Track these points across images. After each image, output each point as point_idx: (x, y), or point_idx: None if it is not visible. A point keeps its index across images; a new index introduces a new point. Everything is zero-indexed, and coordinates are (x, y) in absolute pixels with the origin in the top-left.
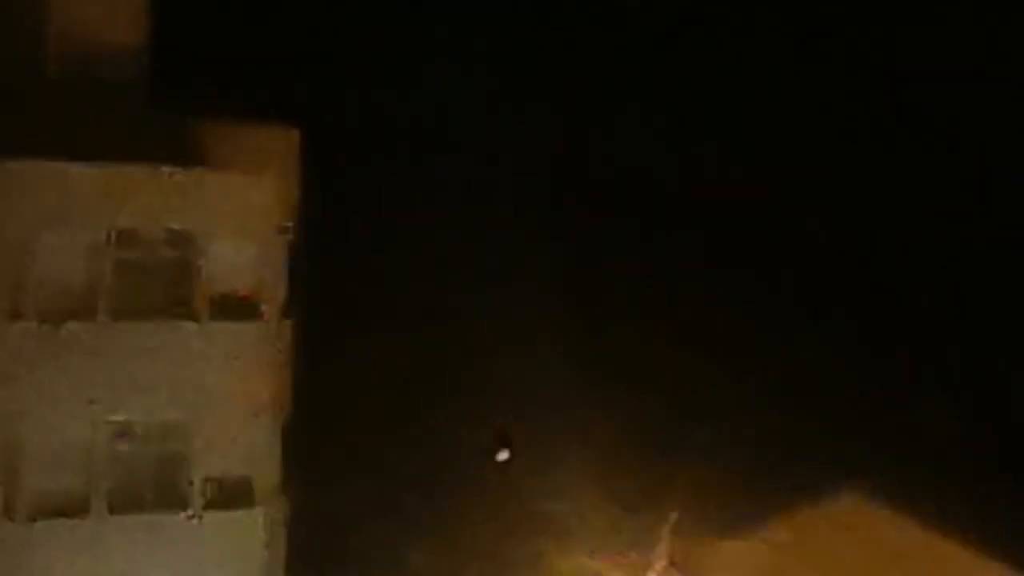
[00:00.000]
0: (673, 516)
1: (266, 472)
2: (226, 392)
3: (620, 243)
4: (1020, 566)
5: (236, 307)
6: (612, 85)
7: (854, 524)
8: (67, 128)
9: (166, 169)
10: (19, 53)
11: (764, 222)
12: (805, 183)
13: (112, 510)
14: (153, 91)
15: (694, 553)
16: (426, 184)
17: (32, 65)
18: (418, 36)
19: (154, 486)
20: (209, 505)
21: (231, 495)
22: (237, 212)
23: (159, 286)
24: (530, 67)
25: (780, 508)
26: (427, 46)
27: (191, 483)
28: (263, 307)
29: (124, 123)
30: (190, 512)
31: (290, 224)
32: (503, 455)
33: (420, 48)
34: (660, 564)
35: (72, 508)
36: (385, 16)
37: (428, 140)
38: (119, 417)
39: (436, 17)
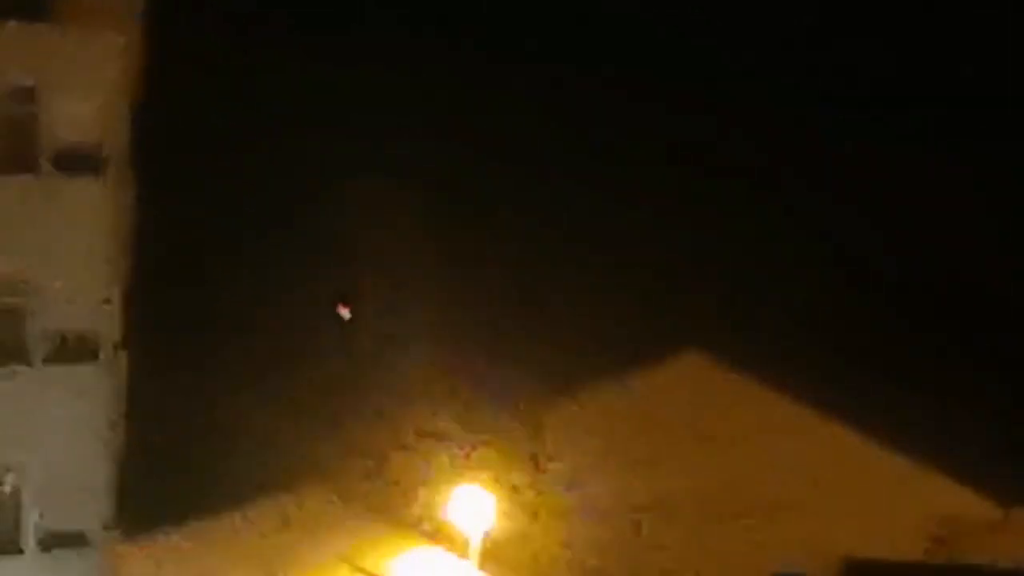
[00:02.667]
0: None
1: (108, 323)
2: (68, 248)
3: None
4: (843, 421)
5: (79, 161)
6: None
7: (689, 387)
8: None
9: (11, 24)
10: None
11: None
12: None
13: None
14: None
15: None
16: (280, 43)
17: None
18: None
19: None
20: (52, 358)
21: (73, 347)
22: (82, 66)
23: (4, 140)
24: None
25: (618, 374)
26: None
27: (33, 336)
28: (105, 160)
29: None
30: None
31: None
32: (345, 313)
33: None
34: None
35: None
36: None
37: None
38: None
39: None
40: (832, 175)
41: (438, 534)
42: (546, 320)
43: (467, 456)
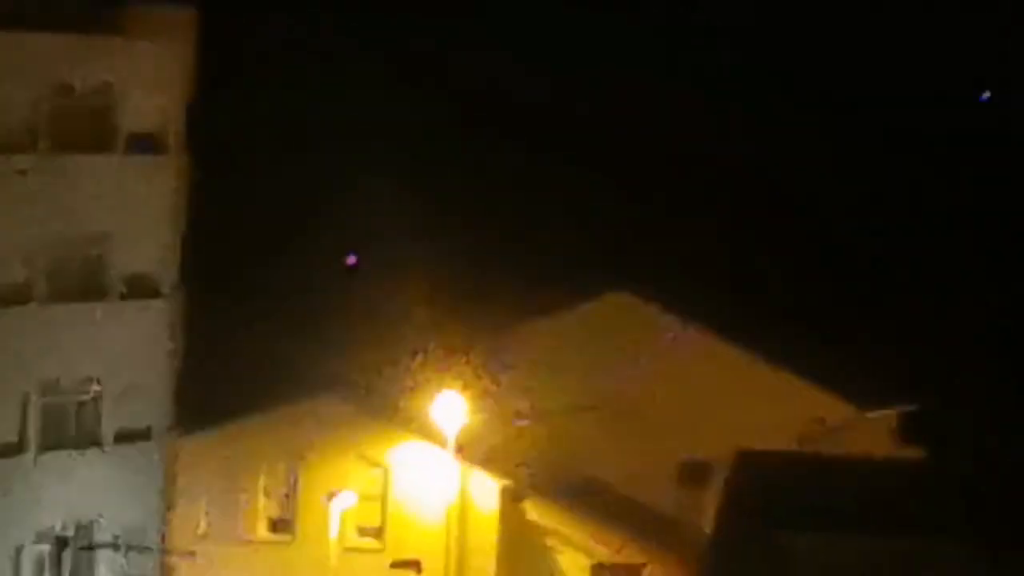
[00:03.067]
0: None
1: (169, 268)
2: (137, 206)
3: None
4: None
5: (147, 143)
6: None
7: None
8: (15, 11)
9: (91, 37)
10: None
11: None
12: None
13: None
14: None
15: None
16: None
17: None
18: None
19: (83, 277)
20: (126, 295)
21: (142, 287)
22: (148, 70)
23: (88, 126)
24: None
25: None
26: None
27: (111, 278)
28: (167, 142)
29: (62, 5)
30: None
31: None
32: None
33: None
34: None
35: (19, 296)
36: None
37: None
38: (59, 227)
39: None
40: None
41: (424, 430)
42: (506, 265)
43: (446, 369)
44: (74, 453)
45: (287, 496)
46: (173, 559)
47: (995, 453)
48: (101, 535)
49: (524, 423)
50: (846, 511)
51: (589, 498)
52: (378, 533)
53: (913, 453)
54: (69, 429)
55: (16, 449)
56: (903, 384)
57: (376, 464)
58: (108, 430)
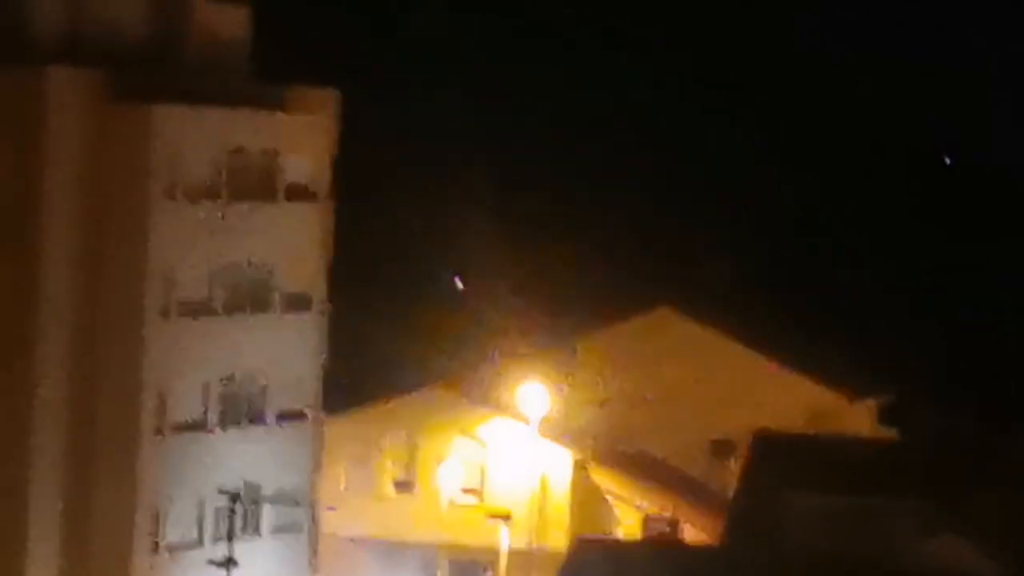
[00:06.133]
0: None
1: (318, 288)
2: (294, 240)
3: None
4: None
5: (301, 193)
6: None
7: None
8: (199, 91)
9: (260, 112)
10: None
11: None
12: None
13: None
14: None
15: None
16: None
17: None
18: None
19: (252, 295)
20: (285, 309)
21: (296, 303)
22: (302, 137)
23: (256, 181)
24: None
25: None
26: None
27: (274, 296)
28: (317, 192)
29: (236, 87)
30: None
31: None
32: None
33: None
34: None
35: (204, 309)
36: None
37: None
38: (235, 257)
39: None
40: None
41: (514, 412)
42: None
43: (532, 366)
44: (245, 429)
45: (408, 463)
46: (320, 511)
47: (952, 434)
48: (265, 492)
49: (591, 408)
50: (838, 478)
51: (640, 467)
52: (477, 491)
53: (890, 434)
54: (241, 410)
55: (200, 425)
56: (883, 378)
57: (476, 439)
58: (271, 412)
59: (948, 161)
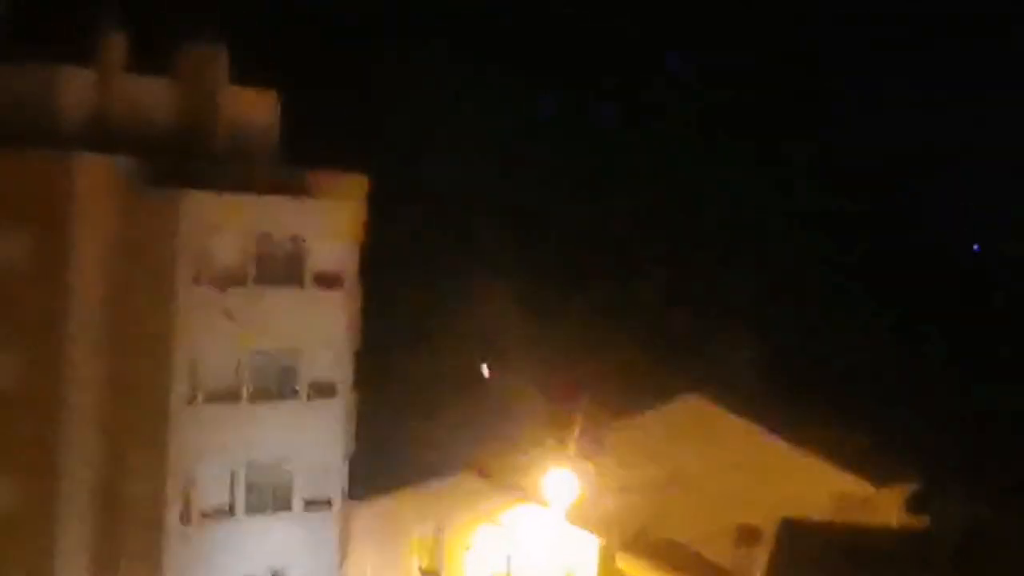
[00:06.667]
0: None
1: (343, 376)
2: (319, 327)
3: None
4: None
5: (328, 280)
6: None
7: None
8: (226, 176)
9: (287, 198)
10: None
11: None
12: None
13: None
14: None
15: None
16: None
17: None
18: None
19: (278, 384)
20: (310, 396)
21: (322, 389)
22: (329, 223)
23: (283, 266)
24: None
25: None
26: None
27: (300, 383)
28: (344, 278)
29: (263, 173)
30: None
31: None
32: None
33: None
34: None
35: (230, 395)
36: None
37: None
38: (259, 343)
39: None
40: None
41: (538, 497)
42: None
43: (560, 453)
44: (271, 515)
45: (434, 550)
46: None
47: (982, 523)
48: None
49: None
50: (865, 567)
51: (666, 555)
52: None
53: (918, 522)
54: (267, 497)
55: (227, 513)
56: (911, 466)
57: (502, 526)
58: (297, 499)
59: (976, 248)
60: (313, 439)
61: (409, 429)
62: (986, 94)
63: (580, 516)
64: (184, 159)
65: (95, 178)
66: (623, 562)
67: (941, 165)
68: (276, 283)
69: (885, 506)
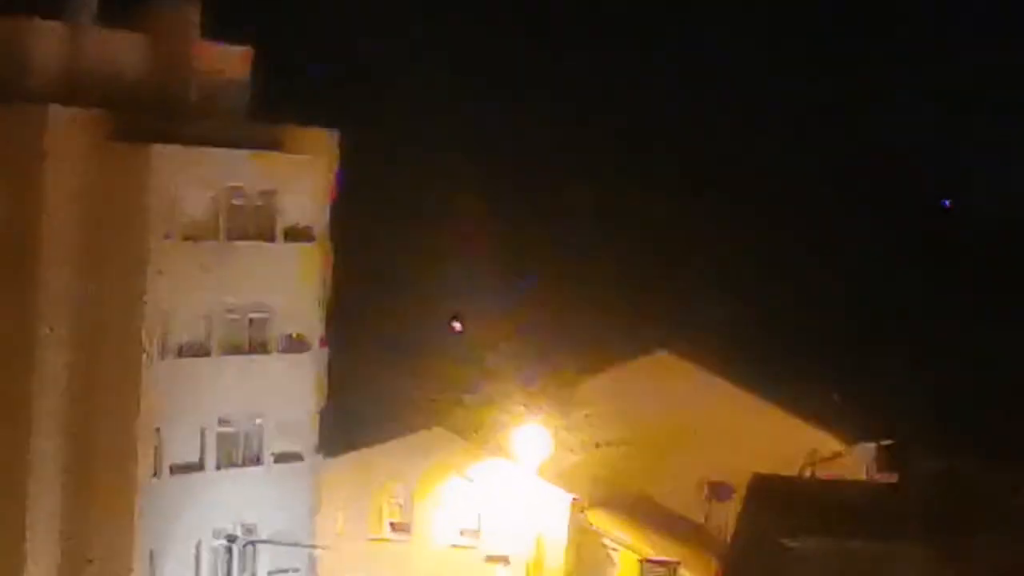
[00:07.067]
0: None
1: (314, 331)
2: (291, 282)
3: None
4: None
5: (299, 234)
6: None
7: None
8: (198, 131)
9: (258, 152)
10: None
11: None
12: None
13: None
14: (250, 110)
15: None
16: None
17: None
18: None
19: (248, 339)
20: (282, 350)
21: (293, 344)
22: (301, 178)
23: (254, 221)
24: None
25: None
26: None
27: (270, 338)
28: (315, 233)
29: (235, 128)
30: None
31: None
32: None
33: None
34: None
35: (200, 350)
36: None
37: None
38: (230, 298)
39: None
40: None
41: (511, 455)
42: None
43: (531, 409)
44: (241, 470)
45: (404, 505)
46: (317, 552)
47: (951, 476)
48: (262, 533)
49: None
50: (837, 521)
51: (637, 510)
52: (475, 534)
53: (887, 478)
54: (238, 452)
55: (197, 467)
56: (881, 423)
57: (472, 481)
58: (268, 453)
59: (947, 205)
60: (284, 393)
61: (381, 384)
62: None
63: (551, 472)
64: (156, 113)
65: (66, 131)
66: (594, 518)
67: None
68: (247, 237)
69: (856, 463)
